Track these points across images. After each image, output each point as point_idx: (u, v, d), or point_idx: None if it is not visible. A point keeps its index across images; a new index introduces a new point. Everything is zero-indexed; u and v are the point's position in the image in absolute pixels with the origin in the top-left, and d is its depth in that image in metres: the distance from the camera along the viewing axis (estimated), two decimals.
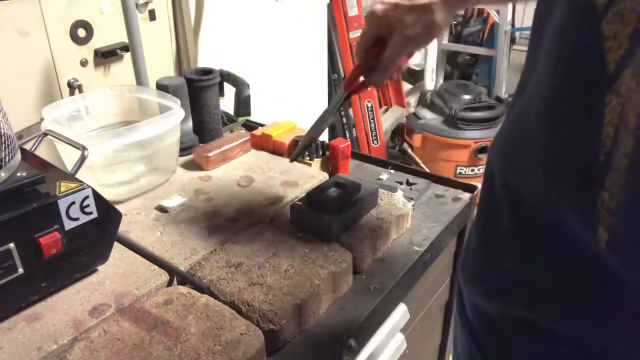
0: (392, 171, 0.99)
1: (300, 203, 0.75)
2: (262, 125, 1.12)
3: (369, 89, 0.73)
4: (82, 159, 0.70)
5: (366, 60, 0.66)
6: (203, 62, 1.34)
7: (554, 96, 0.36)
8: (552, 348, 0.42)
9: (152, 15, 1.17)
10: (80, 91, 1.04)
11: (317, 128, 0.75)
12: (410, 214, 0.82)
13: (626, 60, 0.31)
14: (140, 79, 1.06)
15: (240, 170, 0.95)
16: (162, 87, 0.96)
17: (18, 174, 0.59)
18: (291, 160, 0.81)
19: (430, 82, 2.87)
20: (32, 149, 0.72)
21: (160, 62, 1.23)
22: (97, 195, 0.62)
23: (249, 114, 1.21)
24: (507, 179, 0.44)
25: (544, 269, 0.41)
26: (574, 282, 0.39)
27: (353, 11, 2.31)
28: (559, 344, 0.41)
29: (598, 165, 0.33)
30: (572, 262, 0.38)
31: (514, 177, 0.43)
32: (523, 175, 0.41)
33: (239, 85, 1.19)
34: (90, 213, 0.62)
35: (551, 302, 0.41)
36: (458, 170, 2.50)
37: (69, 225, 0.60)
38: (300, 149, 0.77)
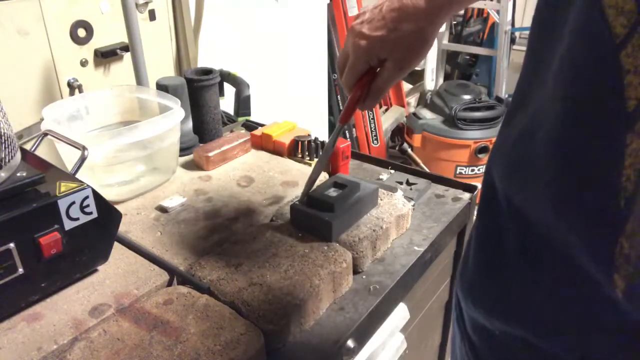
0: (392, 171, 0.99)
1: (300, 203, 0.75)
2: (262, 125, 1.12)
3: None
4: (82, 159, 0.70)
5: (360, 92, 0.63)
6: (203, 62, 1.34)
7: (566, 127, 0.33)
8: None
9: (152, 15, 1.17)
10: (80, 91, 1.04)
11: (320, 165, 0.75)
12: (410, 214, 0.82)
13: None
14: (140, 79, 1.06)
15: (240, 170, 0.95)
16: (162, 87, 0.96)
17: (18, 174, 0.59)
18: (301, 202, 0.76)
19: (430, 82, 2.87)
20: (32, 149, 0.72)
21: (160, 62, 1.23)
22: (97, 195, 0.62)
23: (249, 114, 1.21)
24: (513, 199, 0.41)
25: (550, 298, 0.39)
26: (582, 314, 0.37)
27: (353, 11, 2.31)
28: None
29: (617, 209, 0.30)
30: (582, 296, 0.36)
31: (520, 200, 0.40)
32: (531, 201, 0.38)
33: (239, 85, 1.19)
34: (90, 213, 0.62)
35: (555, 329, 0.40)
36: (458, 170, 2.50)
37: (69, 225, 0.60)
38: (309, 185, 0.76)
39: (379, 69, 0.62)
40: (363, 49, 0.59)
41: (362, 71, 0.62)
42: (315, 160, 0.96)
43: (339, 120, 0.69)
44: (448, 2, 0.54)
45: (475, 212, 0.52)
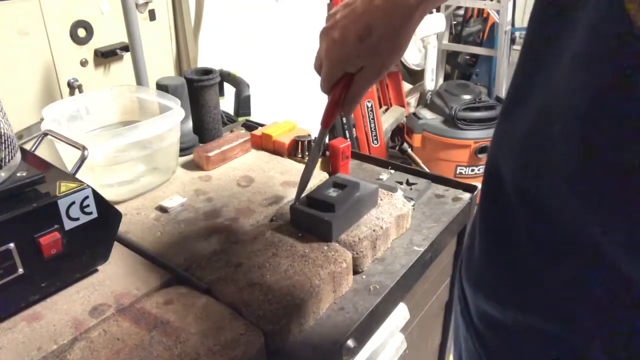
0: (392, 171, 0.99)
1: (300, 203, 0.75)
2: (262, 125, 1.12)
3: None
4: (82, 159, 0.70)
5: (339, 96, 0.62)
6: (203, 62, 1.34)
7: (590, 118, 0.34)
8: (569, 356, 0.41)
9: (152, 15, 1.17)
10: (80, 91, 1.04)
11: (309, 168, 0.75)
12: (410, 214, 0.82)
13: None
14: (140, 79, 1.06)
15: (240, 170, 0.95)
16: (162, 87, 0.96)
17: (18, 174, 0.59)
18: (294, 206, 0.76)
19: (430, 82, 2.87)
20: (32, 149, 0.72)
21: (160, 62, 1.23)
22: (97, 195, 0.62)
23: (249, 114, 1.21)
24: (528, 189, 0.41)
25: (567, 288, 0.40)
26: (601, 298, 0.38)
27: None
28: (577, 353, 0.40)
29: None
30: (602, 279, 0.37)
31: (536, 190, 0.40)
32: (549, 190, 0.39)
33: (239, 85, 1.19)
34: (90, 213, 0.62)
35: (573, 318, 0.40)
36: (458, 170, 2.50)
37: (69, 225, 0.60)
38: (299, 193, 0.76)
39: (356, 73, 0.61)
40: (337, 58, 0.58)
41: (338, 77, 0.61)
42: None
43: (321, 124, 0.68)
44: (417, 2, 0.53)
45: (477, 207, 0.52)
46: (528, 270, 0.43)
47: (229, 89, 1.24)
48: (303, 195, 0.76)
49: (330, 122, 0.68)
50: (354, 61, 0.58)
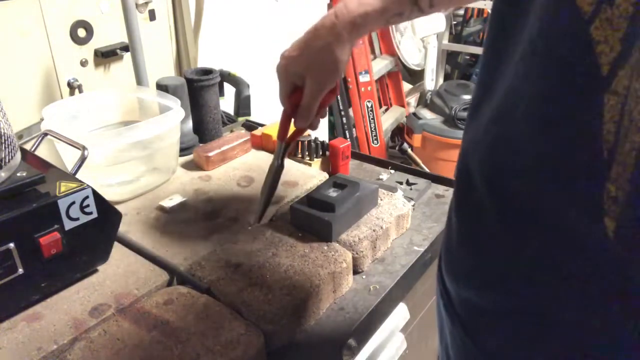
0: (392, 171, 0.99)
1: (300, 203, 0.75)
2: (262, 125, 1.12)
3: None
4: (82, 159, 0.70)
5: (290, 108, 0.68)
6: (203, 62, 1.34)
7: (544, 97, 0.38)
8: (551, 332, 0.43)
9: (152, 15, 1.17)
10: (80, 91, 1.04)
11: (273, 184, 0.76)
12: (410, 214, 0.82)
13: (619, 62, 0.33)
14: (140, 79, 1.06)
15: (240, 170, 0.95)
16: (162, 87, 0.96)
17: (18, 174, 0.59)
18: (259, 221, 0.78)
19: (430, 82, 2.87)
20: (32, 149, 0.72)
21: (160, 62, 1.23)
22: (97, 195, 0.62)
23: (249, 114, 1.21)
24: (493, 178, 0.45)
25: (536, 261, 0.42)
26: (570, 271, 0.40)
27: None
28: (558, 328, 0.42)
29: (601, 160, 0.34)
30: (569, 253, 0.40)
31: (500, 176, 0.44)
32: (513, 173, 0.42)
33: (239, 85, 1.19)
34: (90, 213, 0.62)
35: (546, 290, 0.42)
36: None
37: (69, 225, 0.60)
38: (263, 207, 0.77)
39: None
40: (282, 68, 0.66)
41: (289, 89, 0.67)
42: (316, 159, 0.96)
43: (277, 138, 0.73)
44: (350, 22, 0.60)
45: (450, 206, 0.54)
46: (497, 253, 0.45)
47: (229, 89, 1.24)
48: (303, 195, 0.76)
49: (285, 135, 0.72)
50: (295, 70, 0.65)
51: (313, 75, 0.64)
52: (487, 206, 0.45)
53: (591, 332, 0.41)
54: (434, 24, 2.71)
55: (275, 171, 0.76)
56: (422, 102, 2.89)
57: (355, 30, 0.61)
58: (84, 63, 1.06)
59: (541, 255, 0.42)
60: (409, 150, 2.56)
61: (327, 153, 0.96)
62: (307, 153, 0.97)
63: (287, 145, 0.74)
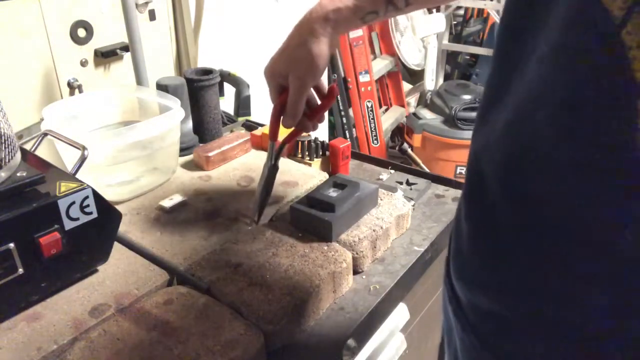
0: (392, 171, 0.99)
1: (300, 203, 0.75)
2: (262, 125, 1.12)
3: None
4: (82, 159, 0.70)
5: (277, 108, 0.70)
6: (203, 62, 1.34)
7: (571, 103, 0.37)
8: (568, 339, 0.42)
9: (152, 15, 1.17)
10: (80, 91, 1.04)
11: (267, 184, 0.77)
12: (410, 214, 0.82)
13: None
14: (140, 79, 1.06)
15: (240, 170, 0.95)
16: (162, 87, 0.96)
17: (18, 174, 0.59)
18: (256, 223, 0.78)
19: (430, 82, 2.87)
20: (32, 149, 0.72)
21: (160, 62, 1.23)
22: (97, 195, 0.62)
23: (249, 114, 1.21)
24: (514, 183, 0.44)
25: (559, 268, 0.41)
26: (595, 276, 0.39)
27: None
28: (575, 335, 0.42)
29: (636, 163, 0.34)
30: (595, 259, 0.39)
31: (519, 185, 0.43)
32: (533, 182, 0.41)
33: (239, 85, 1.19)
34: (90, 213, 0.62)
35: (568, 296, 0.41)
36: (458, 170, 2.50)
37: (69, 225, 0.60)
38: (259, 209, 0.78)
39: None
40: (267, 71, 0.69)
41: (277, 90, 0.69)
42: (316, 159, 0.96)
43: (269, 138, 0.74)
44: (322, 17, 0.62)
45: (458, 212, 0.54)
46: (520, 259, 0.44)
47: (229, 89, 1.24)
48: (303, 195, 0.76)
49: (275, 135, 0.73)
50: (277, 69, 0.67)
51: (294, 73, 0.65)
52: (504, 213, 0.44)
53: (611, 337, 0.40)
54: (434, 24, 2.71)
55: (269, 171, 0.76)
56: (422, 102, 2.89)
57: (329, 25, 0.63)
58: (84, 63, 1.06)
59: (565, 262, 0.41)
60: (409, 150, 2.56)
61: (327, 153, 0.96)
62: (307, 153, 0.97)
63: (282, 145, 0.75)
